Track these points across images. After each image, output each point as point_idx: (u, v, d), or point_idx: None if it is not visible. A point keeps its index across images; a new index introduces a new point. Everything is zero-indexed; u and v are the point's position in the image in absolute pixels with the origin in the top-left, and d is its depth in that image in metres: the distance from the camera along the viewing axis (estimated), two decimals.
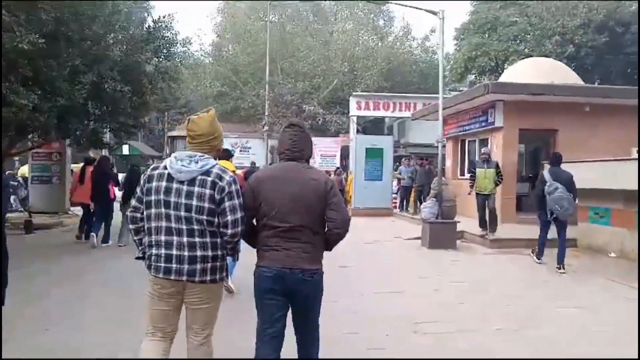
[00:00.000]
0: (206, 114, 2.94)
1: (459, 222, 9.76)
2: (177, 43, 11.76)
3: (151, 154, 33.14)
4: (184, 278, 2.71)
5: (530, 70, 14.36)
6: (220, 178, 2.75)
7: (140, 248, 2.91)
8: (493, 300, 5.94)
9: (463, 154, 15.35)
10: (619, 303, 5.92)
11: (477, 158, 11.77)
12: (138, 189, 2.86)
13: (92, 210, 9.56)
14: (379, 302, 5.77)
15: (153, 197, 2.76)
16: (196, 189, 2.71)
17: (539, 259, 8.13)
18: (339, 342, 4.17)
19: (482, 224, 10.29)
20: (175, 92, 37.73)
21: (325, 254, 2.98)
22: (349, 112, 25.68)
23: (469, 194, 10.58)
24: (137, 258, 2.93)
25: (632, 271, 7.28)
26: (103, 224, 9.53)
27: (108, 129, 12.71)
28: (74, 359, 3.83)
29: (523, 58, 24.95)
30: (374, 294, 6.12)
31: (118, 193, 9.95)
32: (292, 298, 2.89)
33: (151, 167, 2.90)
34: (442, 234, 9.46)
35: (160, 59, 11.40)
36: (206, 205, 2.71)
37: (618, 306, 5.78)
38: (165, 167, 2.78)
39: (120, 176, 11.07)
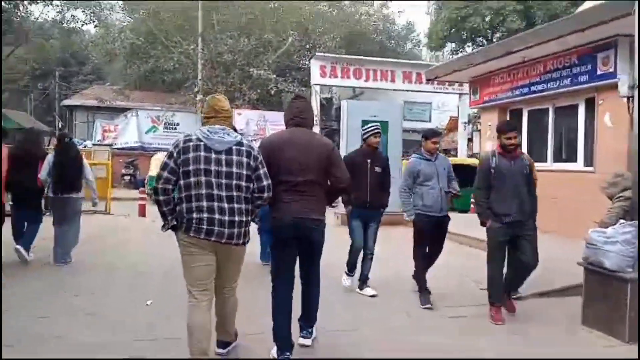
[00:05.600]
0: (221, 95, 3.32)
1: None
2: None
3: (39, 128, 24.76)
4: (223, 240, 3.02)
5: None
6: (252, 147, 3.16)
7: (170, 217, 3.07)
8: None
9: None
10: None
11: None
12: (170, 161, 3.00)
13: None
14: None
15: (191, 167, 2.98)
16: (235, 157, 3.04)
17: None
18: None
19: None
20: (78, 52, 30.01)
21: None
22: (309, 80, 19.89)
23: None
24: (170, 228, 3.10)
25: None
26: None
27: None
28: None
29: (522, 20, 20.37)
30: None
31: None
32: (302, 243, 3.48)
33: (182, 139, 3.05)
34: None
35: None
36: (244, 172, 3.07)
37: None
38: (199, 139, 3.01)
39: None
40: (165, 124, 21.74)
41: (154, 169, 15.87)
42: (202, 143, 2.98)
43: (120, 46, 21.94)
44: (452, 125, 25.78)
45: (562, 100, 8.76)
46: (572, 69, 8.16)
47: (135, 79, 22.67)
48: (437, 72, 11.04)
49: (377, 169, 5.06)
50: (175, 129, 21.37)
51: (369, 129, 5.11)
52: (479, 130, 22.25)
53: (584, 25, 7.02)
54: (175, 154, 2.99)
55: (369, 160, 5.05)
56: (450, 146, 24.44)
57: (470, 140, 22.08)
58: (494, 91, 10.14)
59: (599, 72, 7.62)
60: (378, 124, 5.28)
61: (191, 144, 2.99)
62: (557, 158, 9.00)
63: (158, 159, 15.64)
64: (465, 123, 20.88)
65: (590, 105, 8.14)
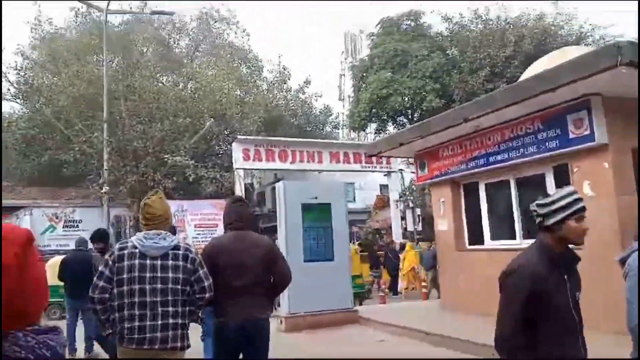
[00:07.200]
0: (155, 196, 3.17)
1: None
2: None
3: None
4: (157, 346, 2.90)
5: None
6: (189, 250, 3.11)
7: (107, 325, 3.01)
8: None
9: (475, 207, 8.94)
10: None
11: None
12: (106, 270, 2.96)
13: None
14: None
15: (126, 275, 2.93)
16: (170, 262, 2.99)
17: None
18: None
19: None
20: None
21: None
22: (230, 165, 18.37)
23: None
24: (107, 335, 3.07)
25: None
26: None
27: None
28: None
29: (440, 98, 20.66)
30: None
31: None
32: (249, 344, 3.41)
33: (118, 247, 3.04)
34: None
35: None
36: (181, 275, 3.00)
37: None
38: (134, 247, 2.99)
39: None
40: (65, 222, 18.95)
41: (49, 278, 13.21)
42: (137, 250, 2.99)
43: (12, 138, 19.39)
44: (381, 204, 25.20)
45: (525, 170, 7.91)
46: (536, 135, 7.35)
47: (29, 173, 19.90)
48: (380, 147, 9.98)
49: (578, 294, 2.30)
50: (78, 226, 18.62)
51: (563, 202, 2.22)
52: (412, 208, 21.74)
53: (555, 84, 6.24)
54: (110, 262, 3.00)
55: (566, 277, 2.25)
56: (381, 225, 23.63)
57: (403, 218, 21.35)
58: (444, 164, 9.18)
59: (571, 136, 6.81)
60: (577, 193, 2.29)
61: (126, 251, 3.00)
62: (527, 234, 8.00)
63: (53, 265, 13.07)
64: (397, 201, 20.19)
65: (560, 173, 7.29)
